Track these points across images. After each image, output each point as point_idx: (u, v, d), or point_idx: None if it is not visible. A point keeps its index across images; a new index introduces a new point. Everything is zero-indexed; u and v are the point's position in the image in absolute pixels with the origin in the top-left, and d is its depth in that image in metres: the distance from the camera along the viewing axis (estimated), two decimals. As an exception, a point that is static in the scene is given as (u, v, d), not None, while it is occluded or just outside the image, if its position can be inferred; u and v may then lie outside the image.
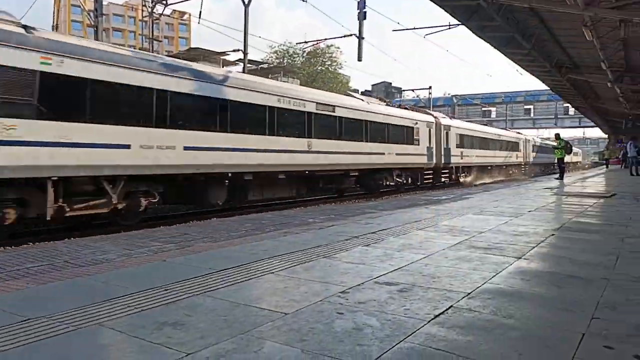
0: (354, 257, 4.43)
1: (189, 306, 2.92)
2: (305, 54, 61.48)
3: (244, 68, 22.40)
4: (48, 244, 7.35)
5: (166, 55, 21.18)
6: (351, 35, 22.13)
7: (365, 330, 2.52)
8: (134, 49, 22.56)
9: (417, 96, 58.07)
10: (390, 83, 78.29)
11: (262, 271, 3.85)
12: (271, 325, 2.60)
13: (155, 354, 2.22)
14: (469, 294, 3.20)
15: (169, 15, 54.28)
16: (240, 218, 9.45)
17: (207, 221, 9.50)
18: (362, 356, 2.19)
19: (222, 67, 27.68)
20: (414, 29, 22.96)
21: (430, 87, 46.30)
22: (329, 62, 64.04)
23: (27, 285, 3.50)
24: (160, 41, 38.65)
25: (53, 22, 57.21)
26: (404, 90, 74.31)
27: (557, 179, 20.86)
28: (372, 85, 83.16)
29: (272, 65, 46.17)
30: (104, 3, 21.16)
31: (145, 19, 29.12)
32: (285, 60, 59.72)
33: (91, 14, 19.92)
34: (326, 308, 2.90)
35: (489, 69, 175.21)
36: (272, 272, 3.81)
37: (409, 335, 2.45)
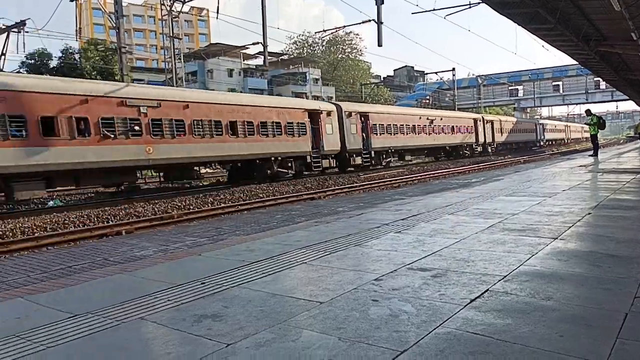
0: (386, 244, 4.43)
1: (226, 298, 2.98)
2: (324, 43, 61.11)
3: (264, 60, 22.46)
4: (88, 243, 7.59)
5: (185, 53, 21.65)
6: (370, 20, 21.92)
7: (401, 317, 2.52)
8: (156, 47, 22.99)
9: (441, 79, 57.04)
10: (413, 67, 77.24)
11: (295, 261, 3.89)
12: (307, 314, 2.63)
13: (197, 344, 2.29)
14: (505, 277, 3.17)
15: (187, 12, 54.72)
16: (270, 210, 9.55)
17: (238, 214, 9.63)
18: (400, 342, 2.20)
19: (243, 60, 27.78)
20: (434, 10, 22.48)
21: (453, 69, 45.44)
22: (349, 50, 63.49)
23: (71, 283, 3.64)
24: (181, 39, 39.02)
25: (76, 26, 58.36)
26: (426, 74, 73.21)
27: (590, 155, 20.27)
28: (394, 70, 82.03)
29: (292, 56, 46.13)
30: (123, 4, 21.30)
31: (164, 17, 29.46)
32: (305, 51, 59.50)
33: (112, 16, 20.27)
34: (361, 296, 2.91)
35: (513, 47, 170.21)
36: (305, 262, 3.85)
37: (445, 321, 2.44)
